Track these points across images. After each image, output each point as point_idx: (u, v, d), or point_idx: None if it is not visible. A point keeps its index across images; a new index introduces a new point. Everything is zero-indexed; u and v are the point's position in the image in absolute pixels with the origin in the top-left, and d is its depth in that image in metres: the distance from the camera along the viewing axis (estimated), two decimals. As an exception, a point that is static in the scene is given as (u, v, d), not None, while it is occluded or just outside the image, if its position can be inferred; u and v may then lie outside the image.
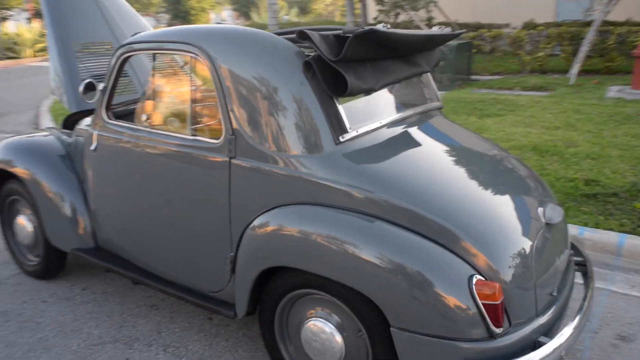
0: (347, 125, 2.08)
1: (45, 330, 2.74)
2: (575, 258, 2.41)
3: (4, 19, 22.88)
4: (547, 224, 2.09)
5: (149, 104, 2.64)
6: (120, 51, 2.63)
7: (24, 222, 3.20)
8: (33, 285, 3.22)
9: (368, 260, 1.83)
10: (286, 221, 2.05)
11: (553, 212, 2.12)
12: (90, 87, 2.94)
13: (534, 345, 1.83)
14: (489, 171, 2.33)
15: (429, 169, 2.16)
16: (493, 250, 1.85)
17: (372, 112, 2.37)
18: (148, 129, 2.52)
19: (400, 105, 2.53)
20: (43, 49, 19.00)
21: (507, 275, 1.83)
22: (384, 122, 2.26)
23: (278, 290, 2.12)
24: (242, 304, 2.21)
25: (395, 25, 11.83)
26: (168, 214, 2.47)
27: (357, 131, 2.12)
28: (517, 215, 2.06)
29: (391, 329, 1.83)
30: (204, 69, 2.27)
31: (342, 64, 2.01)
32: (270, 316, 2.19)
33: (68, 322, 2.81)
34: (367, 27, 1.99)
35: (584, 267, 2.38)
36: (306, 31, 1.98)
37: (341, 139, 2.05)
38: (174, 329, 2.71)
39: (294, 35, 2.13)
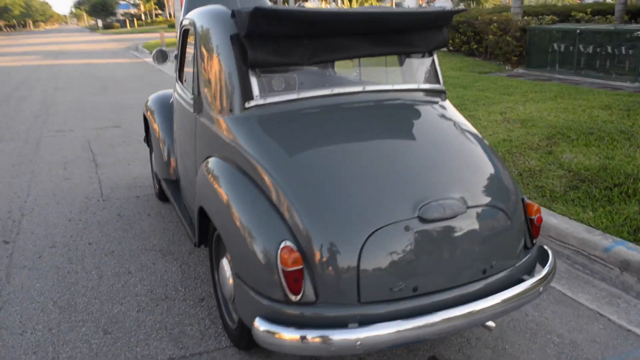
0: (255, 93, 2.34)
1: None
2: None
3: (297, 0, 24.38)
4: (433, 220, 1.91)
5: (186, 68, 3.28)
6: (181, 24, 3.16)
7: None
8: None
9: (228, 215, 2.12)
10: (207, 169, 2.44)
11: (435, 209, 1.91)
12: (163, 55, 3.73)
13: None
14: (394, 161, 2.14)
15: (320, 144, 2.23)
16: (319, 227, 1.88)
17: (301, 84, 2.83)
18: (182, 87, 3.19)
19: (350, 82, 2.82)
20: None
21: (323, 251, 1.84)
22: (304, 95, 2.42)
23: (209, 227, 2.52)
24: (195, 234, 2.70)
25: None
26: (182, 153, 3.20)
27: (264, 100, 2.35)
28: (378, 205, 1.92)
29: (234, 273, 2.13)
30: (194, 39, 2.81)
31: (257, 39, 2.28)
32: (210, 250, 2.57)
33: None
34: (264, 6, 2.22)
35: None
36: (235, 11, 2.34)
37: (246, 105, 2.33)
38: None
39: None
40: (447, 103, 2.69)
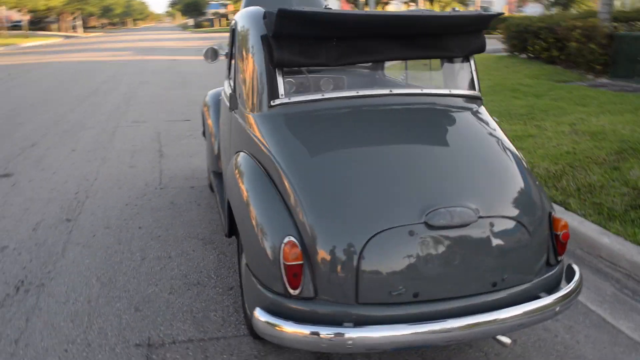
0: (281, 92, 2.40)
1: None
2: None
3: (386, 3, 25.80)
4: (440, 227, 1.88)
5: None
6: (231, 24, 3.24)
7: None
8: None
9: (244, 209, 2.21)
10: (235, 164, 2.54)
11: (443, 215, 1.88)
12: (214, 52, 3.95)
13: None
14: (410, 165, 2.12)
15: (338, 145, 2.24)
16: (322, 225, 1.91)
17: (334, 84, 2.93)
18: (227, 85, 3.39)
19: (379, 84, 2.91)
20: None
21: (324, 249, 1.87)
22: (328, 95, 2.47)
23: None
24: (225, 225, 2.79)
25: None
26: (223, 147, 3.42)
27: (289, 99, 2.42)
28: (385, 208, 1.92)
29: (244, 263, 2.20)
30: (234, 38, 2.98)
31: (285, 39, 2.33)
32: (237, 241, 2.63)
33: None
34: (287, 8, 2.23)
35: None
36: (265, 12, 2.41)
37: (272, 103, 2.39)
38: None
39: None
40: (481, 110, 2.62)
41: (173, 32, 56.86)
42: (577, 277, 2.18)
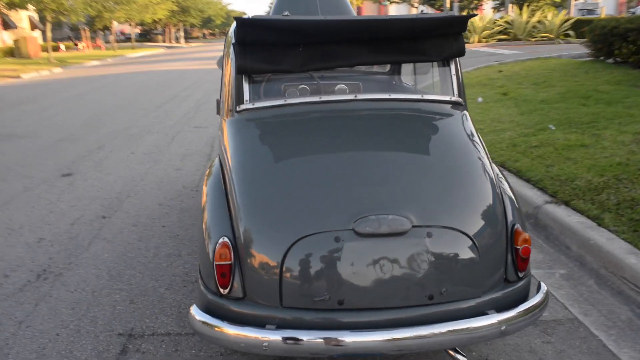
0: (246, 97, 2.51)
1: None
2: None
3: (474, 8, 27.71)
4: (367, 235, 1.85)
5: None
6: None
7: None
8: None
9: (200, 209, 2.27)
10: (208, 167, 2.62)
11: (370, 223, 1.84)
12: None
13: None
14: (352, 172, 2.08)
15: (288, 150, 2.28)
16: (252, 227, 1.96)
17: (294, 90, 2.92)
18: None
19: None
20: (490, 36, 23.55)
21: (251, 251, 1.92)
22: (290, 101, 2.53)
23: None
24: None
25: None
26: None
27: (252, 104, 2.51)
28: (315, 213, 1.93)
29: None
30: None
31: (249, 47, 2.40)
32: None
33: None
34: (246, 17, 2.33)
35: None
36: (235, 18, 2.41)
37: (238, 109, 2.49)
38: None
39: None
40: (459, 115, 2.52)
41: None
42: (537, 298, 2.03)
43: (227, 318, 1.93)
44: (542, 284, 2.12)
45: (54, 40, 42.08)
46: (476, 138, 2.39)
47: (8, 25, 39.16)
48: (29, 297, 3.02)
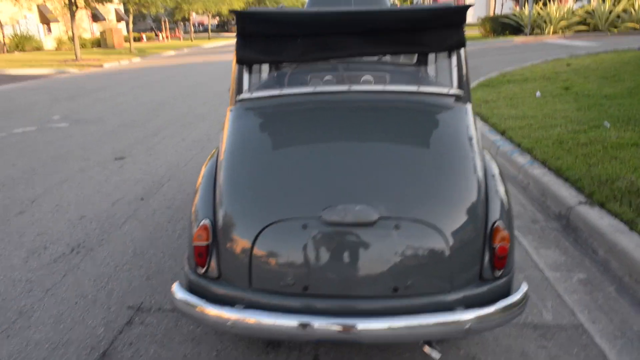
0: (245, 87, 2.63)
1: None
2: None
3: None
4: (333, 223, 1.89)
5: None
6: None
7: None
8: None
9: (193, 195, 2.36)
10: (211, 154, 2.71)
11: (337, 212, 1.88)
12: None
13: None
14: (332, 162, 2.12)
15: (275, 139, 2.33)
16: (229, 210, 2.05)
17: (292, 80, 2.90)
18: None
19: (339, 81, 2.86)
20: (568, 27, 22.60)
21: (226, 233, 2.02)
22: (286, 91, 2.61)
23: None
24: None
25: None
26: None
27: (250, 94, 2.61)
28: (287, 200, 2.00)
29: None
30: None
31: (248, 38, 2.47)
32: None
33: None
34: (243, 10, 2.40)
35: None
36: (232, 11, 2.50)
37: (238, 98, 2.61)
38: None
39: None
40: (459, 108, 2.47)
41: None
42: (510, 299, 1.98)
43: (204, 296, 2.04)
44: (524, 285, 2.07)
45: (138, 31, 44.48)
46: (472, 132, 2.34)
47: (97, 17, 41.91)
48: (60, 268, 3.32)
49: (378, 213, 1.90)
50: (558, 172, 4.47)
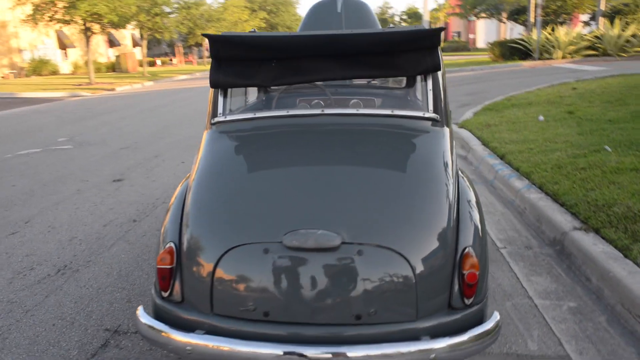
0: (219, 111, 2.64)
1: None
2: None
3: (562, 23, 27.16)
4: (293, 248, 1.85)
5: None
6: None
7: None
8: None
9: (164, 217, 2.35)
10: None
11: (298, 237, 1.84)
12: None
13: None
14: (299, 187, 2.10)
15: (244, 163, 2.33)
16: (193, 234, 2.02)
17: (279, 104, 2.98)
18: None
19: (327, 105, 2.86)
20: (576, 51, 22.50)
21: (189, 257, 1.99)
22: (259, 115, 2.62)
23: None
24: None
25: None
26: None
27: (224, 117, 2.62)
28: (250, 225, 1.97)
29: None
30: None
31: (223, 61, 2.49)
32: None
33: None
34: (214, 34, 2.42)
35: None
36: (205, 35, 2.51)
37: (212, 121, 2.62)
38: None
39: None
40: (431, 133, 2.44)
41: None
42: (479, 329, 1.91)
43: (167, 321, 2.00)
44: (496, 314, 1.99)
45: (153, 56, 45.36)
46: (447, 156, 2.30)
47: (113, 43, 42.90)
48: (43, 289, 3.30)
49: (340, 238, 1.85)
50: (555, 197, 4.40)
